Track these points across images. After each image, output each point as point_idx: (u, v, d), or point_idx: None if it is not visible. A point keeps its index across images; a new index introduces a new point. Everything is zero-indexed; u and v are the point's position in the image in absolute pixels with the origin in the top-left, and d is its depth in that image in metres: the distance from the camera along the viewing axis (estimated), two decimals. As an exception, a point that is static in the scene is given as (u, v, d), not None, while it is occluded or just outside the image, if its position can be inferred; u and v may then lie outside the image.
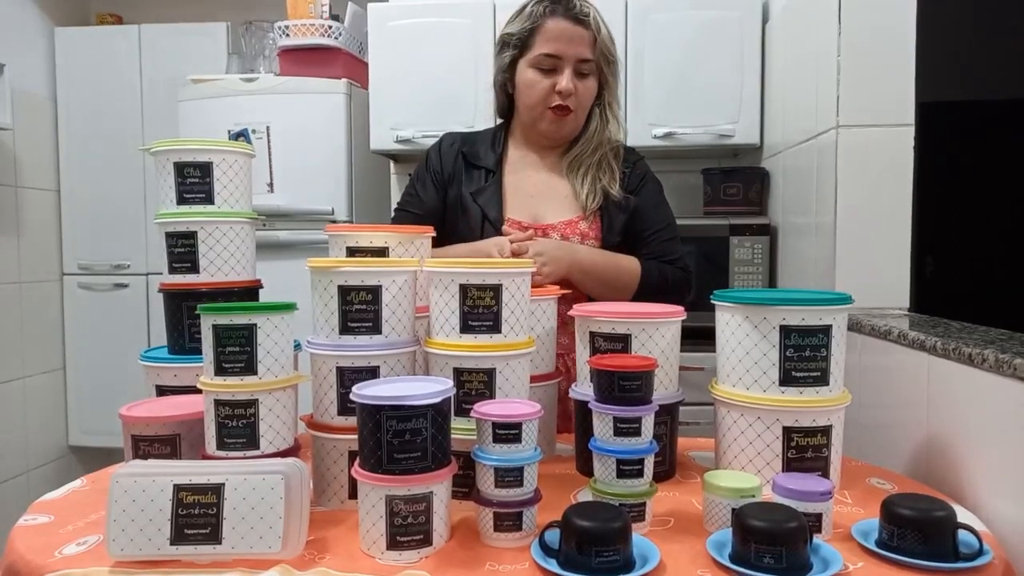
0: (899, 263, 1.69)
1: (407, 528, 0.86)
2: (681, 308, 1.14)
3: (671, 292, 1.44)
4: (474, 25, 2.54)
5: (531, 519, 0.92)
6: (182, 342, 1.22)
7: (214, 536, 0.85)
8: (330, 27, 2.66)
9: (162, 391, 1.18)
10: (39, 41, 3.07)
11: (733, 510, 0.88)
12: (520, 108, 1.49)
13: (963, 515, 0.94)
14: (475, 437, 0.94)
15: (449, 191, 1.50)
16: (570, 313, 1.17)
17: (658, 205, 1.53)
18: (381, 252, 1.14)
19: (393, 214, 1.59)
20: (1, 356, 2.90)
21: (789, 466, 1.03)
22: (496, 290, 1.02)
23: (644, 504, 0.95)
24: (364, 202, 2.72)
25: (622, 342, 1.09)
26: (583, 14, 1.41)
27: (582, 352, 1.15)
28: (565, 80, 1.40)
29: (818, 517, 0.91)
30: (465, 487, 0.98)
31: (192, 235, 1.20)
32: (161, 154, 1.21)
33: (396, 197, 2.94)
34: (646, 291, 1.43)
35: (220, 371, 0.97)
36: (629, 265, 1.44)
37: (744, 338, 1.05)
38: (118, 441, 1.11)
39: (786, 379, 1.03)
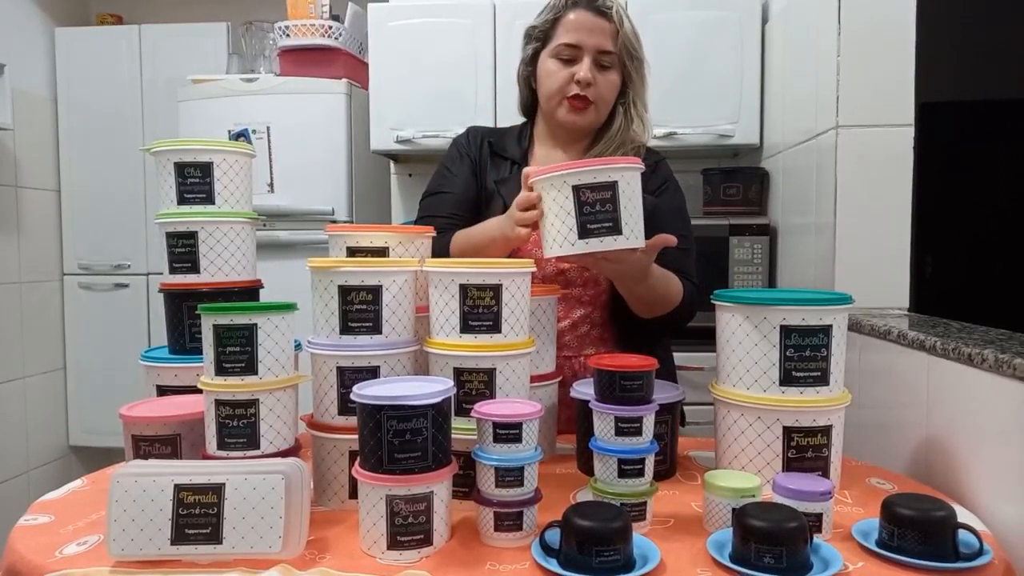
0: (899, 263, 1.69)
1: (407, 528, 0.86)
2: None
3: (686, 314, 1.37)
4: (474, 25, 2.54)
5: (531, 519, 0.92)
6: (182, 342, 1.22)
7: (215, 536, 0.85)
8: (330, 27, 2.66)
9: (162, 391, 1.18)
10: (39, 41, 3.07)
11: (733, 510, 0.88)
12: (541, 99, 1.46)
13: (963, 515, 0.95)
14: (475, 437, 0.94)
15: (478, 178, 1.48)
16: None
17: (678, 212, 1.45)
18: (381, 252, 1.14)
19: (422, 201, 1.50)
20: (1, 356, 2.90)
21: (789, 466, 1.03)
22: (496, 290, 1.02)
23: (645, 504, 0.95)
24: (364, 202, 2.72)
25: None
26: (605, 7, 1.39)
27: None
28: (584, 70, 1.37)
29: (818, 517, 0.91)
30: (465, 487, 0.99)
31: (192, 235, 1.20)
32: (161, 154, 1.21)
33: (397, 197, 2.94)
34: (677, 313, 1.35)
35: (220, 371, 0.97)
36: (677, 285, 1.34)
37: (744, 338, 1.05)
38: (118, 441, 1.11)
39: (786, 379, 1.03)
